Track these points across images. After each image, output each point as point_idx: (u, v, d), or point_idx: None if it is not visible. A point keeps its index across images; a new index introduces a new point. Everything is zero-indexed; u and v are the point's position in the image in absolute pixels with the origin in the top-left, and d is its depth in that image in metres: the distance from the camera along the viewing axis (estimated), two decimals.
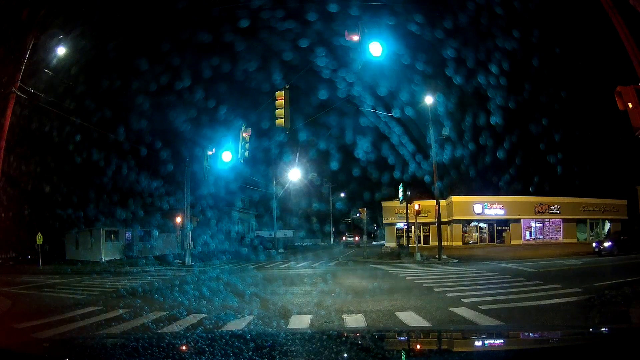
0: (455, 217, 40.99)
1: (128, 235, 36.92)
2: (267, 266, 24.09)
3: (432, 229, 43.73)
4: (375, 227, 68.17)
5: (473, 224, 44.05)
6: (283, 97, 14.74)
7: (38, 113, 18.84)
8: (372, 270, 19.49)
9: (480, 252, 32.22)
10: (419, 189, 44.96)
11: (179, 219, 28.54)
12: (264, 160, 38.40)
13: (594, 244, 25.11)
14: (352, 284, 14.06)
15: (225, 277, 17.06)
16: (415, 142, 30.04)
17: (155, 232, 38.07)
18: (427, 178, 26.98)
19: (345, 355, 2.27)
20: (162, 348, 2.43)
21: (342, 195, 60.55)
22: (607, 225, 45.50)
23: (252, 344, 2.44)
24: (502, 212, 44.59)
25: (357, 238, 48.23)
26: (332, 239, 59.35)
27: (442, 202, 45.90)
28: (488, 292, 11.62)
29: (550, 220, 47.58)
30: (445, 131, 25.73)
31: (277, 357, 2.24)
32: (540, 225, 47.58)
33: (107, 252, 34.98)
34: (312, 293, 12.03)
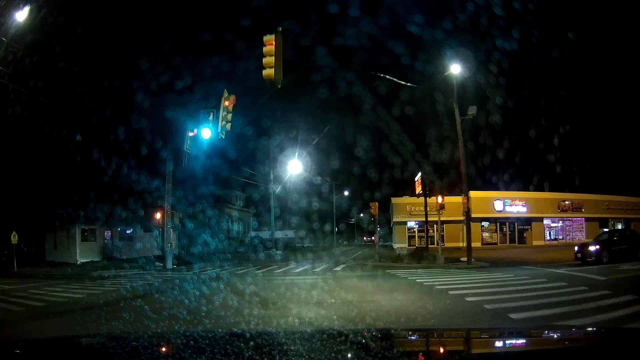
0: (473, 215, 36.55)
1: (107, 234, 32.87)
2: (262, 271, 19.98)
3: (449, 229, 39.48)
4: (378, 228, 65.02)
5: (486, 223, 39.76)
6: (274, 43, 10.77)
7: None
8: (393, 279, 15.14)
9: (504, 254, 28.59)
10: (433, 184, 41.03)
11: (159, 215, 24.37)
12: (262, 156, 34.27)
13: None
14: (377, 302, 9.85)
15: (203, 289, 12.98)
16: (430, 127, 25.75)
17: (140, 231, 33.97)
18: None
19: (346, 354, 2.20)
20: (162, 347, 2.47)
21: (346, 193, 57.03)
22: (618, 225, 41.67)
23: (252, 343, 2.42)
24: (524, 209, 40.48)
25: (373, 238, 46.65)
26: (334, 239, 55.58)
27: (457, 199, 41.85)
28: (566, 309, 8.30)
29: (572, 219, 43.91)
30: (473, 110, 21.54)
31: (277, 356, 2.20)
32: (562, 224, 43.90)
33: (83, 253, 31.17)
34: (318, 318, 7.81)
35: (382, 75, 17.56)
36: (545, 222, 42.45)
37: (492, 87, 22.20)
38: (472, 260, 21.13)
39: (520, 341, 2.68)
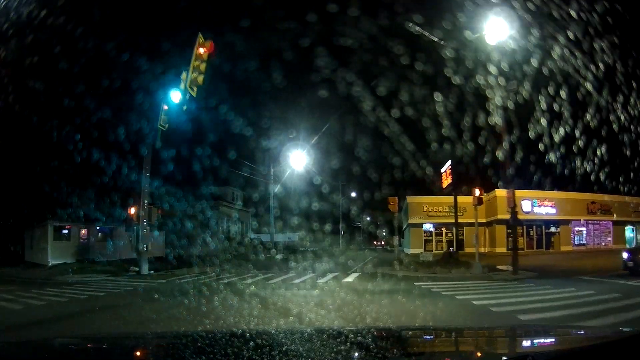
0: (499, 216, 32.42)
1: (83, 233, 28.95)
2: (255, 279, 16.05)
3: (468, 232, 35.32)
4: (384, 233, 61.67)
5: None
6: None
7: None
8: (433, 297, 10.57)
9: (536, 261, 24.77)
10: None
11: (132, 210, 20.42)
12: (262, 154, 30.15)
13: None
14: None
15: (164, 306, 9.25)
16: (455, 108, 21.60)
17: (121, 230, 29.95)
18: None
19: (346, 354, 2.21)
20: (162, 347, 2.49)
21: (353, 194, 53.02)
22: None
23: (251, 343, 2.41)
24: (553, 211, 36.39)
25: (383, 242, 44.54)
26: (340, 243, 51.41)
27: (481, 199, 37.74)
28: None
29: (600, 222, 39.84)
30: (513, 85, 17.42)
31: (277, 356, 2.10)
32: (589, 228, 39.87)
33: (56, 254, 27.46)
34: None
35: (417, 27, 13.38)
36: (573, 225, 38.42)
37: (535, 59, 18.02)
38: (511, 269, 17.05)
39: (526, 340, 2.63)
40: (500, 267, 18.17)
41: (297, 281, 14.69)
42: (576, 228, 39.18)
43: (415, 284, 13.35)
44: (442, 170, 21.39)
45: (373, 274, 16.62)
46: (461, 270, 16.54)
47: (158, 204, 30.48)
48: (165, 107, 15.45)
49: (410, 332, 3.21)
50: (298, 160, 29.63)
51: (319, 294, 11.38)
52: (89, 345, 2.59)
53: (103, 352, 2.40)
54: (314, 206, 29.96)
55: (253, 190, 37.23)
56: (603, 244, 39.06)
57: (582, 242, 39.20)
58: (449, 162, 20.23)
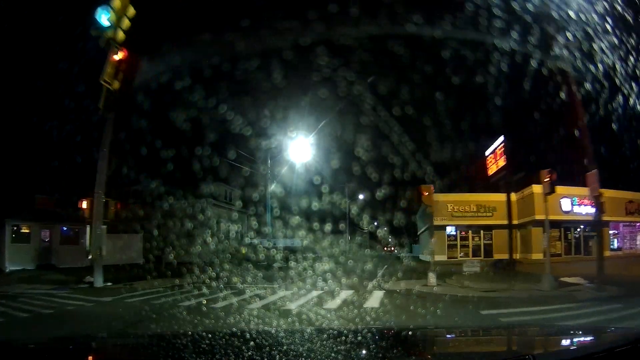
0: (537, 217, 27.57)
1: (45, 234, 24.46)
2: (237, 299, 11.44)
3: (498, 236, 30.61)
4: (390, 239, 57.04)
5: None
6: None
7: None
8: None
9: (587, 269, 19.76)
10: (467, 179, 31.95)
11: (85, 204, 15.89)
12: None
13: None
14: None
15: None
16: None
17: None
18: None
19: (346, 353, 2.19)
20: (162, 347, 2.46)
21: (361, 197, 48.25)
22: None
23: (252, 343, 2.40)
24: (593, 211, 31.41)
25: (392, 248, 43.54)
26: (347, 248, 46.66)
27: (512, 196, 32.90)
28: None
29: (634, 224, 35.13)
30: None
31: (277, 356, 2.13)
32: (623, 230, 34.98)
33: (16, 258, 23.32)
34: None
35: None
36: (612, 227, 33.66)
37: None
38: (584, 282, 12.43)
39: (525, 340, 2.63)
40: (566, 279, 13.52)
41: (293, 307, 9.88)
42: (612, 231, 34.54)
43: (483, 312, 8.60)
44: (489, 152, 16.76)
45: (404, 292, 11.88)
46: (525, 286, 11.87)
47: (132, 201, 26.05)
48: (116, 58, 10.99)
49: (410, 332, 3.18)
50: (300, 155, 25.04)
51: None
52: (89, 345, 2.57)
53: (103, 352, 2.37)
54: (316, 207, 25.11)
55: (253, 190, 32.47)
56: (633, 248, 34.33)
57: (618, 246, 34.63)
58: (501, 139, 15.56)
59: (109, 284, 15.80)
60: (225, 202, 37.72)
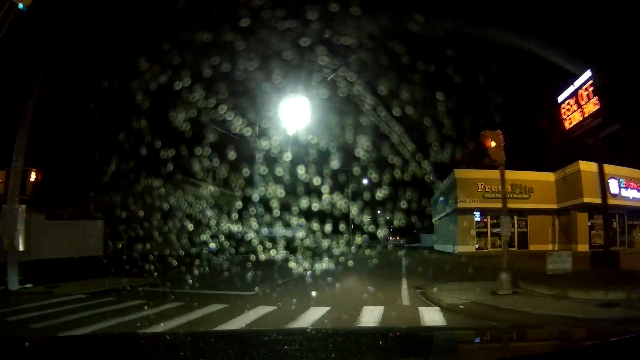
0: (586, 200, 22.89)
1: None
2: (178, 323, 6.66)
3: (534, 222, 26.05)
4: (391, 229, 52.84)
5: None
6: None
7: None
8: None
9: None
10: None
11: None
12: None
13: None
14: None
15: None
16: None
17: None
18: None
19: (347, 353, 2.15)
20: (162, 347, 2.35)
21: (365, 181, 43.33)
22: None
23: (252, 343, 2.38)
24: (639, 195, 26.91)
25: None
26: (349, 241, 41.94)
27: (550, 176, 28.18)
28: None
29: None
30: None
31: (277, 355, 2.06)
32: None
33: None
34: None
35: None
36: None
37: None
38: None
39: (522, 340, 2.60)
40: None
41: (299, 324, 5.16)
42: None
43: None
44: (564, 97, 11.87)
45: (476, 312, 6.99)
46: (619, 292, 7.17)
47: (91, 180, 21.04)
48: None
49: (415, 331, 3.19)
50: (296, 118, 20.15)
51: None
52: (88, 345, 2.49)
53: (103, 352, 2.25)
54: (315, 199, 20.23)
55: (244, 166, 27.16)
56: None
57: None
58: (588, 74, 10.90)
59: (29, 285, 11.14)
60: (205, 182, 32.27)
